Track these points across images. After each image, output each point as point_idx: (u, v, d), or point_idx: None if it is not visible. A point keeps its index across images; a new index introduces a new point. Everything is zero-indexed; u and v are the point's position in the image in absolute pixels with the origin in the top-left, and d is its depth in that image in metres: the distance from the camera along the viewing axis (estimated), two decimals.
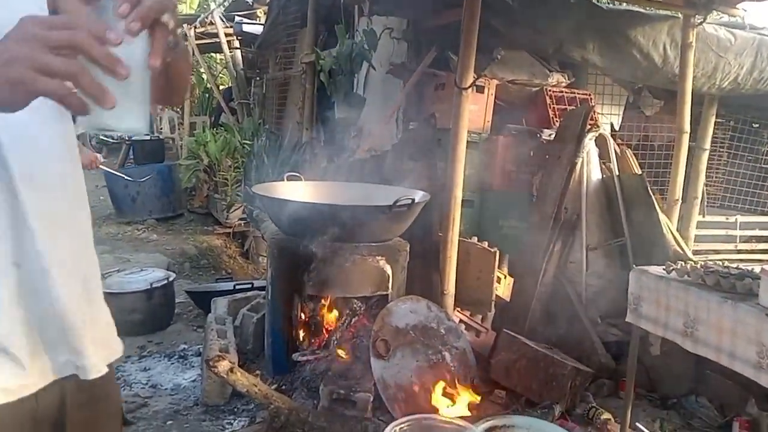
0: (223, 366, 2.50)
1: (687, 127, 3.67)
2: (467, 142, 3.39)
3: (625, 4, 3.90)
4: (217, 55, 11.81)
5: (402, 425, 0.64)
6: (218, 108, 9.55)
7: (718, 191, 5.13)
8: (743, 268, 2.53)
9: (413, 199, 2.90)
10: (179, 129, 10.15)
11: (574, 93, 4.16)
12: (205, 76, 11.00)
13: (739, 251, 4.45)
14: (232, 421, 2.84)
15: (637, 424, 2.98)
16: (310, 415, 2.54)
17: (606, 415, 2.97)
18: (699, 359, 3.30)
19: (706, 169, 4.46)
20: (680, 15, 3.73)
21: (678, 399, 3.31)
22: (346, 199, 3.21)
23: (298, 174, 3.43)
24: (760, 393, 3.00)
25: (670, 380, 3.40)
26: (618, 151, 3.90)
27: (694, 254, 3.73)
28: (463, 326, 3.35)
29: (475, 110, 3.78)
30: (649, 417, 3.16)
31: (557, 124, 3.92)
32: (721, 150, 5.06)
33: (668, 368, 3.38)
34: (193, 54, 9.10)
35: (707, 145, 4.43)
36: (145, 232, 6.33)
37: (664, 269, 2.63)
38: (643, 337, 2.91)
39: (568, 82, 4.25)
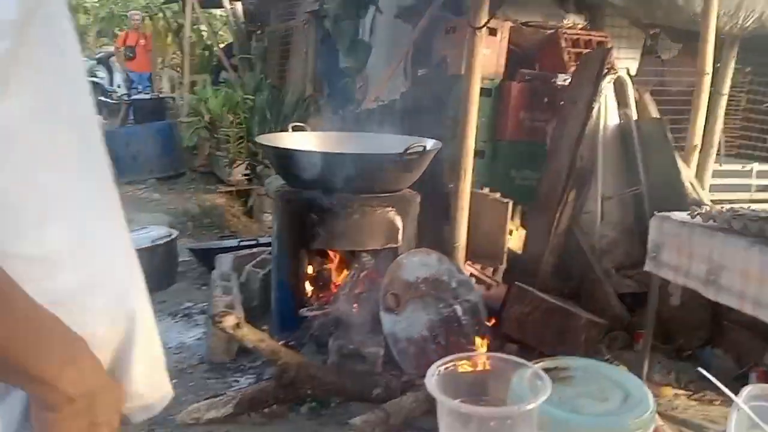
0: (229, 321, 2.40)
1: (709, 68, 3.49)
2: (479, 89, 3.24)
3: None
4: (217, 11, 11.54)
5: (448, 364, 0.55)
6: (219, 65, 9.34)
7: (734, 138, 4.97)
8: None
9: (425, 146, 2.77)
10: (179, 88, 9.96)
11: (591, 35, 3.97)
12: (205, 33, 10.75)
13: (754, 201, 4.31)
14: (239, 379, 2.77)
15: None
16: (319, 371, 2.46)
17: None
18: (715, 310, 3.23)
19: (724, 115, 4.29)
20: None
21: (693, 351, 3.23)
22: (354, 148, 3.08)
23: (303, 125, 3.29)
24: None
25: (685, 332, 3.30)
26: (636, 96, 3.73)
27: None
28: (474, 279, 3.26)
29: (488, 54, 3.61)
30: (664, 369, 3.07)
31: (573, 69, 3.75)
32: (739, 95, 4.88)
33: (683, 320, 3.28)
34: (193, 9, 8.87)
35: (726, 90, 4.24)
36: (146, 191, 6.22)
37: (688, 214, 2.51)
38: (659, 288, 2.81)
39: (585, 24, 4.05)
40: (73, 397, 0.67)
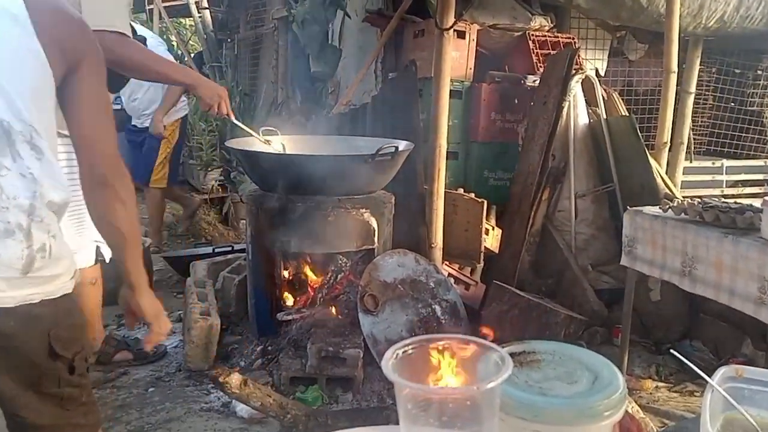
0: (235, 380, 2.21)
1: (675, 66, 3.55)
2: (450, 91, 3.25)
3: None
4: (186, 20, 11.43)
5: (407, 348, 0.52)
6: None
7: (703, 137, 5.05)
8: (741, 202, 2.46)
9: (396, 147, 2.77)
10: None
11: (558, 37, 4.01)
12: (175, 43, 10.65)
13: (726, 196, 4.39)
14: None
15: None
16: (329, 417, 2.37)
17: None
18: (692, 303, 3.27)
19: (692, 114, 4.36)
20: None
21: (672, 344, 3.26)
22: (325, 151, 3.07)
23: (274, 129, 3.26)
24: (755, 332, 2.96)
25: (663, 326, 3.35)
26: (605, 95, 3.78)
27: None
28: (452, 279, 3.26)
29: (457, 57, 3.63)
30: (644, 363, 3.11)
31: (541, 70, 3.78)
32: (707, 94, 4.97)
33: (661, 314, 3.33)
34: (161, 18, 8.78)
35: (693, 88, 4.31)
36: None
37: (660, 208, 2.54)
38: (637, 282, 2.84)
39: (551, 26, 4.10)
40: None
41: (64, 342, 1.29)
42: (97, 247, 2.72)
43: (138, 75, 2.59)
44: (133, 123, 4.69)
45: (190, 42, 11.18)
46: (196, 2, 7.75)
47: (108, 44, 2.22)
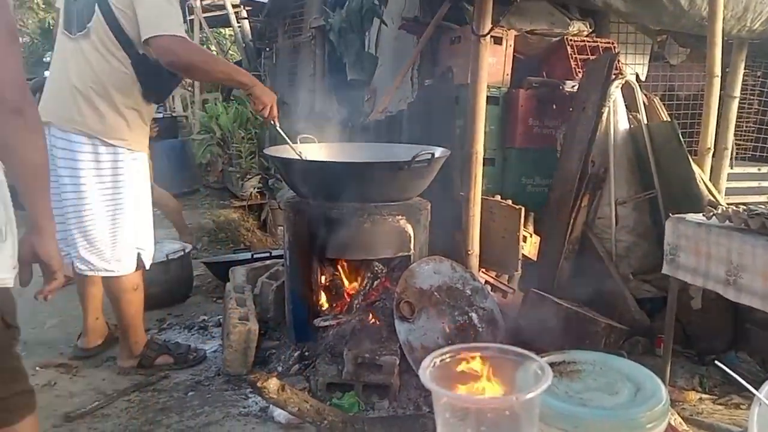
0: (273, 385, 2.21)
1: (718, 70, 3.46)
2: (487, 97, 3.24)
3: None
4: (226, 30, 11.65)
5: (444, 356, 0.51)
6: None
7: (748, 142, 4.91)
8: None
9: (433, 154, 2.76)
10: (191, 107, 10.04)
11: (597, 42, 3.96)
12: (215, 52, 10.86)
13: None
14: None
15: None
16: (366, 423, 2.38)
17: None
18: (737, 313, 3.18)
19: (736, 119, 4.24)
20: None
21: (717, 355, 3.17)
22: (362, 158, 3.09)
23: (311, 136, 3.30)
24: None
25: (707, 336, 3.25)
26: (646, 100, 3.71)
27: None
28: (489, 287, 3.23)
29: (494, 63, 3.62)
30: (687, 374, 3.03)
31: (580, 75, 3.74)
32: (752, 98, 4.84)
33: (705, 324, 3.24)
34: (201, 28, 8.97)
35: (737, 92, 4.19)
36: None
37: (703, 215, 2.48)
38: (679, 291, 2.78)
39: (590, 30, 4.05)
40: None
41: (12, 317, 1.37)
42: (138, 254, 2.79)
43: (203, 76, 3.03)
44: None
45: (230, 51, 11.40)
46: (235, 12, 7.90)
47: (174, 48, 2.31)
